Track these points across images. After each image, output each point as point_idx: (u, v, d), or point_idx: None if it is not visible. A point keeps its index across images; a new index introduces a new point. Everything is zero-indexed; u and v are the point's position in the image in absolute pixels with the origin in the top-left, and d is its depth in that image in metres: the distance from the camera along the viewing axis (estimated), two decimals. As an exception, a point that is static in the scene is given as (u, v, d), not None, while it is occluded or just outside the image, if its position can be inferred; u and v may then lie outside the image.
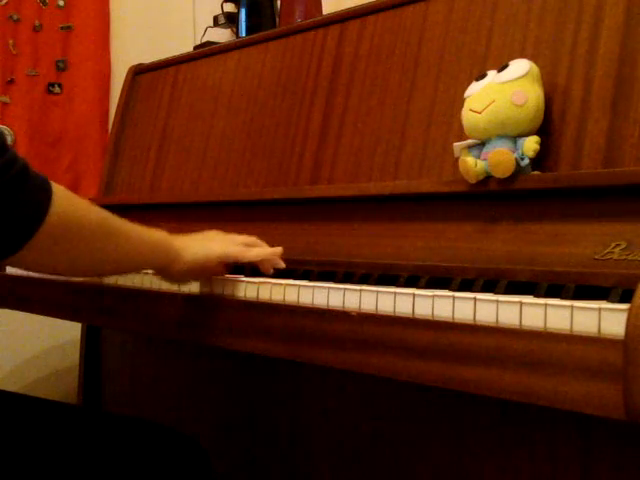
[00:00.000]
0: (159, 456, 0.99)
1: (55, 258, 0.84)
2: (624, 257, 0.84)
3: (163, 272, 1.01)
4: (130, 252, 0.93)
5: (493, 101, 0.98)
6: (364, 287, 0.86)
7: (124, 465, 0.97)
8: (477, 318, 0.74)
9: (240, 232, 1.08)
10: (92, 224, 0.86)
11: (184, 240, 1.01)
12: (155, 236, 0.97)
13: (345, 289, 0.86)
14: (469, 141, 1.02)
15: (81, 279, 1.24)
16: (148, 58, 1.84)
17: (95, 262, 0.90)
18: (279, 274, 1.03)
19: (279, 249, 1.06)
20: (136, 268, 1.01)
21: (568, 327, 0.67)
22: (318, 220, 1.21)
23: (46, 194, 0.78)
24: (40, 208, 0.78)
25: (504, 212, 0.98)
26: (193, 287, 1.05)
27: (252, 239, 1.08)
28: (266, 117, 1.43)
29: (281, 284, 0.93)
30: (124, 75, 1.86)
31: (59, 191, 0.81)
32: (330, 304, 0.87)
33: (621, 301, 0.71)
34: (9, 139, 2.07)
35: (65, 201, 0.81)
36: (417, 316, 0.79)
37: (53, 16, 2.17)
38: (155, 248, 0.97)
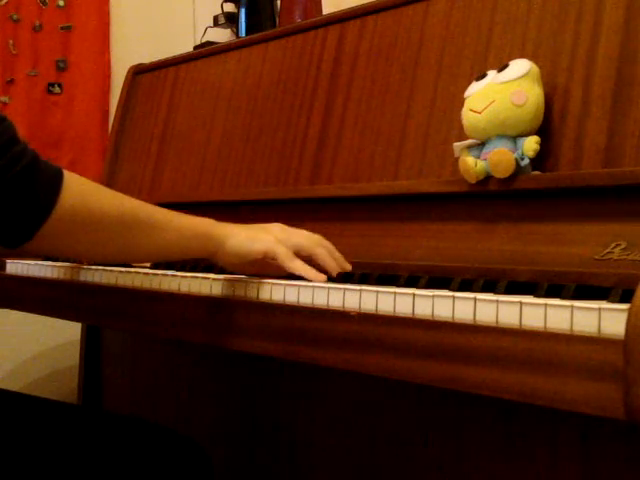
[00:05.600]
0: (158, 456, 0.99)
1: (70, 246, 0.86)
2: (624, 257, 0.83)
3: (211, 259, 0.98)
4: (160, 242, 0.92)
5: (493, 101, 0.98)
6: (364, 287, 0.85)
7: (123, 465, 0.97)
8: (477, 318, 0.74)
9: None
10: (110, 215, 0.87)
11: (232, 229, 0.96)
12: (196, 226, 0.95)
13: (345, 289, 0.86)
14: (469, 141, 1.02)
15: (83, 279, 1.25)
16: (148, 58, 1.84)
17: (118, 251, 0.91)
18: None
19: (322, 276, 0.95)
20: (174, 257, 1.00)
21: (568, 327, 0.67)
22: (318, 220, 1.21)
23: (54, 187, 0.80)
24: (47, 202, 0.79)
25: (504, 212, 0.98)
26: (192, 287, 1.05)
27: (319, 242, 0.99)
28: (266, 117, 1.43)
29: (281, 284, 0.93)
30: (124, 75, 1.86)
31: (73, 183, 0.82)
32: (330, 304, 0.87)
33: (621, 301, 0.71)
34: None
35: (78, 194, 0.83)
36: (417, 316, 0.78)
37: (53, 16, 2.17)
38: (194, 238, 0.94)
